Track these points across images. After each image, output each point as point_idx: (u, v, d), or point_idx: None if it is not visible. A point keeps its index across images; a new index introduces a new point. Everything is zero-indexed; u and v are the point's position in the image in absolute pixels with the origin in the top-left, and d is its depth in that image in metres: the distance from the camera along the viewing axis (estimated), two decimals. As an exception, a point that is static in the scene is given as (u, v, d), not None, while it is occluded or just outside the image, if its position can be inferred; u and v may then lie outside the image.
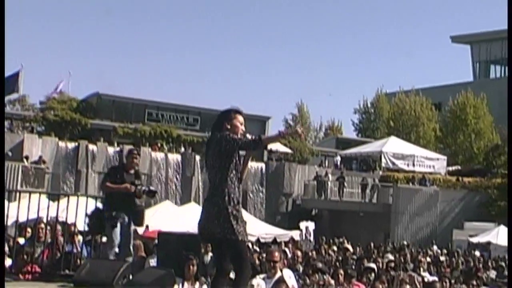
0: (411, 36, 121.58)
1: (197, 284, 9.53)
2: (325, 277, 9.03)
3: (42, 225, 12.30)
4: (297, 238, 26.23)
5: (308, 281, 9.26)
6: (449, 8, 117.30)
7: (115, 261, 9.69)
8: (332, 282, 8.42)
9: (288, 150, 48.28)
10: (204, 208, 6.46)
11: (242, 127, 6.65)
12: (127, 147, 40.17)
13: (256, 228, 26.73)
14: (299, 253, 12.40)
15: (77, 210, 11.07)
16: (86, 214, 10.65)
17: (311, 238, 26.40)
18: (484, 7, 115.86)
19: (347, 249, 16.76)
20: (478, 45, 74.67)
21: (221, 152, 6.38)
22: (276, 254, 11.49)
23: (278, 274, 9.42)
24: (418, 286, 9.12)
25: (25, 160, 35.50)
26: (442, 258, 25.74)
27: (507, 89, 45.51)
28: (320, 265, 10.48)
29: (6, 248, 11.61)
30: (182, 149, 43.81)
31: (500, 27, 74.51)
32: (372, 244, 28.64)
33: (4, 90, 27.34)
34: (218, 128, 6.61)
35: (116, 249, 10.10)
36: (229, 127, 6.57)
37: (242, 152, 6.65)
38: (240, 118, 6.69)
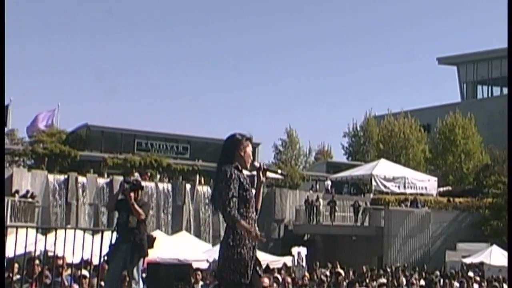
0: (399, 59, 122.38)
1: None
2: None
3: (36, 261, 12.13)
4: (289, 264, 26.10)
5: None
6: (435, 30, 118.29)
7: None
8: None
9: (279, 176, 48.19)
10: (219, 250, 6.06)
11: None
12: (117, 178, 40.10)
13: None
14: (289, 279, 12.28)
15: (65, 243, 10.96)
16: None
17: (304, 264, 26.27)
18: (470, 28, 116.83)
19: (340, 274, 16.67)
20: (465, 66, 75.30)
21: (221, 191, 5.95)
22: (266, 280, 11.43)
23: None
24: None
25: (16, 195, 35.27)
26: (435, 279, 25.73)
27: (507, 93, 45.80)
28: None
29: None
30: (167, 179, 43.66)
31: (485, 48, 75.32)
32: (365, 268, 28.52)
33: (4, 93, 27.15)
34: (229, 158, 6.10)
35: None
36: (242, 153, 6.11)
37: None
38: (250, 145, 6.26)
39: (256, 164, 6.20)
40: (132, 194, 9.88)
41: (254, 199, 6.11)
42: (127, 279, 9.96)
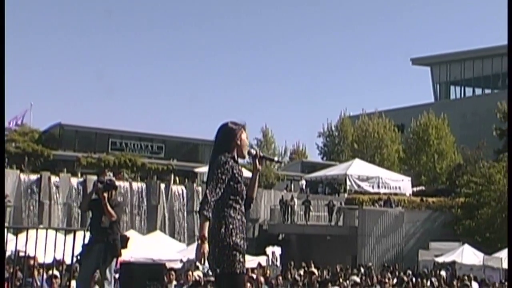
0: (373, 59, 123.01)
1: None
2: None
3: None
4: (264, 263, 26.14)
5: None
6: (409, 31, 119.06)
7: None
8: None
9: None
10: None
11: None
12: (91, 177, 39.85)
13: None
14: (262, 279, 12.32)
15: (36, 243, 10.87)
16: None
17: (278, 263, 26.32)
18: (443, 29, 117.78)
19: (313, 273, 16.72)
20: (438, 66, 75.99)
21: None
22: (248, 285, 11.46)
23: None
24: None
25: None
26: (405, 279, 25.91)
27: (507, 94, 46.20)
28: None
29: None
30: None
31: (458, 49, 76.08)
32: (338, 267, 28.66)
33: (4, 91, 26.89)
34: (225, 148, 5.92)
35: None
36: (239, 142, 5.95)
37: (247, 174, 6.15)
38: (245, 132, 6.09)
39: (252, 151, 6.09)
40: (105, 194, 9.83)
41: (245, 190, 6.04)
42: (99, 279, 9.91)
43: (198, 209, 5.68)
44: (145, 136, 54.24)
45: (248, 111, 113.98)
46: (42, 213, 37.81)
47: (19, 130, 49.81)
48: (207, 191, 5.68)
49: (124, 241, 10.23)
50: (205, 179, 47.05)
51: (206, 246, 5.54)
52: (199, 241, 5.59)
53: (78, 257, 10.48)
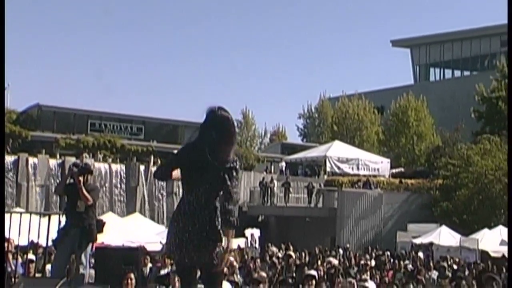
0: (352, 41, 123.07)
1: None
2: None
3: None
4: (242, 246, 26.20)
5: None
6: (388, 13, 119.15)
7: (50, 279, 9.50)
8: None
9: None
10: (185, 224, 5.28)
11: None
12: (69, 159, 39.62)
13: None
14: (234, 263, 12.39)
15: (10, 226, 10.79)
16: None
17: (257, 245, 26.38)
18: (423, 11, 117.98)
19: (290, 256, 16.76)
20: (418, 48, 76.18)
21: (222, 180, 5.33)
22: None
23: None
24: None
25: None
26: (385, 260, 26.12)
27: (507, 89, 46.43)
28: (256, 275, 10.46)
29: None
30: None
31: (438, 30, 76.34)
32: (317, 249, 28.78)
33: (4, 89, 26.49)
34: (230, 139, 5.42)
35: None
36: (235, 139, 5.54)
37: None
38: None
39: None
40: (81, 178, 9.76)
41: None
42: (75, 263, 9.87)
43: (229, 219, 5.35)
44: (124, 118, 53.96)
45: (228, 92, 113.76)
46: (19, 195, 37.60)
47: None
48: (232, 198, 5.38)
49: (100, 226, 10.19)
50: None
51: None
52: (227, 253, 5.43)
53: (54, 242, 10.45)
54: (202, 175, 5.29)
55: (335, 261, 19.19)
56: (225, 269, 11.66)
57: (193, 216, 5.29)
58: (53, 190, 34.24)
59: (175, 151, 5.68)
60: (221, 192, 5.33)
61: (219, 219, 5.35)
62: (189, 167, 5.34)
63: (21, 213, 10.83)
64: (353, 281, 10.07)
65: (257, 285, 9.19)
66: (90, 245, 10.00)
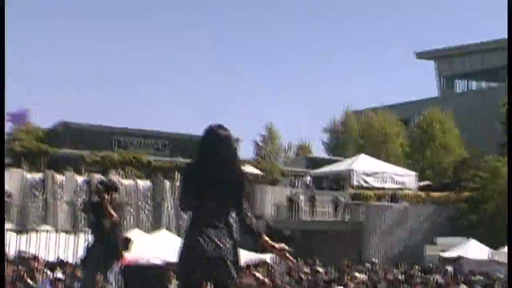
0: (377, 53, 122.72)
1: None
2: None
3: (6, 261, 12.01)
4: (268, 261, 26.02)
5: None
6: (413, 25, 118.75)
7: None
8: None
9: (259, 172, 48.19)
10: (204, 235, 5.18)
11: None
12: (95, 176, 39.82)
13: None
14: (266, 280, 12.29)
15: (38, 244, 10.87)
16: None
17: (283, 261, 26.17)
18: (447, 23, 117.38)
19: (318, 271, 16.65)
20: (443, 60, 75.77)
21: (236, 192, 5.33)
22: (248, 281, 11.40)
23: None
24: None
25: (-9, 194, 34.94)
26: (413, 274, 25.90)
27: (507, 93, 46.06)
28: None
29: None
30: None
31: (463, 42, 75.83)
32: (343, 264, 28.62)
33: (4, 90, 26.84)
34: (236, 155, 5.45)
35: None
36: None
37: None
38: None
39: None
40: (106, 196, 9.76)
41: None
42: (101, 282, 9.87)
43: (256, 229, 5.38)
44: (149, 134, 54.18)
45: (252, 107, 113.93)
46: (47, 212, 37.85)
47: (23, 129, 49.82)
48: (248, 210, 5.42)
49: (126, 243, 10.18)
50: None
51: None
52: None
53: (80, 260, 10.48)
54: (214, 191, 5.26)
55: (363, 277, 19.06)
56: (251, 282, 11.62)
57: (206, 230, 5.22)
58: (80, 208, 34.44)
59: (185, 177, 5.56)
60: (237, 207, 5.33)
61: (237, 233, 5.34)
62: (201, 186, 5.30)
63: (47, 231, 10.87)
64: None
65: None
66: (117, 262, 9.97)
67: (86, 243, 10.21)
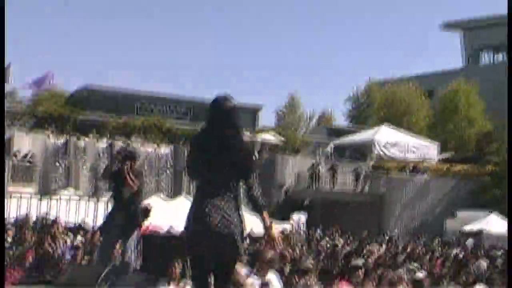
0: (402, 23, 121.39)
1: (182, 284, 9.32)
2: (308, 278, 8.86)
3: (26, 226, 12.08)
4: (288, 230, 26.06)
5: (294, 281, 9.11)
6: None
7: (97, 266, 9.52)
8: (316, 286, 8.23)
9: (280, 141, 48.09)
10: (205, 209, 5.16)
11: None
12: (117, 141, 40.00)
13: (247, 222, 26.53)
14: (287, 253, 12.28)
15: (58, 209, 10.86)
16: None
17: (303, 230, 26.24)
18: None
19: (336, 245, 16.58)
20: (469, 31, 74.69)
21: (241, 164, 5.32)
22: (269, 256, 11.32)
23: (267, 276, 9.26)
24: (407, 285, 8.95)
25: (14, 157, 35.26)
26: (433, 247, 25.81)
27: (507, 88, 45.36)
28: (305, 265, 10.32)
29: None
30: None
31: (490, 12, 74.66)
32: (363, 235, 28.60)
33: (4, 89, 27.08)
34: (240, 127, 5.50)
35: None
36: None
37: None
38: None
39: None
40: (125, 165, 9.75)
41: None
42: (120, 251, 9.89)
43: (262, 203, 5.37)
44: (171, 99, 54.18)
45: (276, 75, 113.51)
46: (69, 177, 38.13)
47: (47, 93, 50.06)
48: (255, 183, 5.38)
49: (145, 212, 10.20)
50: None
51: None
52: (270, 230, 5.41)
53: (100, 228, 10.51)
54: (221, 161, 5.24)
55: (381, 250, 19.00)
56: (272, 256, 11.55)
57: (214, 201, 5.21)
58: (100, 176, 34.49)
59: (192, 145, 5.55)
60: (244, 178, 5.32)
61: (244, 205, 5.37)
62: (208, 154, 5.28)
63: (69, 198, 10.89)
64: (402, 273, 9.87)
65: (305, 275, 9.05)
66: (136, 231, 9.98)
67: (107, 211, 10.24)
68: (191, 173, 5.42)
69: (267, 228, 5.31)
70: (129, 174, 9.72)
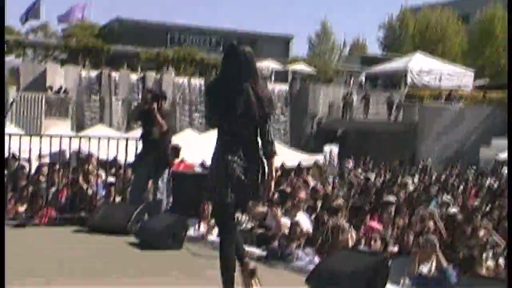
0: None
1: (213, 223, 9.40)
2: (339, 217, 8.86)
3: (57, 165, 12.13)
4: (321, 162, 26.04)
5: (325, 219, 9.12)
6: None
7: (129, 206, 9.62)
8: (346, 225, 8.24)
9: (312, 70, 47.71)
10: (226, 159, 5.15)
11: None
12: (150, 73, 40.03)
13: (280, 154, 26.58)
14: (319, 186, 12.31)
15: (90, 145, 10.82)
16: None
17: (335, 163, 26.20)
18: None
19: (368, 179, 16.53)
20: (507, -47, 72.27)
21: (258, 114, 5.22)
22: (302, 195, 11.39)
23: (297, 215, 9.34)
24: (438, 222, 8.93)
25: (49, 90, 35.57)
26: (468, 176, 25.64)
27: (507, 91, 44.07)
28: (336, 203, 10.32)
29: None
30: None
31: None
32: (395, 165, 28.56)
33: (4, 88, 27.18)
34: (258, 75, 5.33)
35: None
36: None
37: None
38: None
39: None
40: (154, 105, 9.72)
41: None
42: (152, 190, 9.97)
43: (271, 149, 5.24)
44: (203, 30, 53.91)
45: (307, 3, 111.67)
46: (103, 110, 38.42)
47: (79, 25, 50.08)
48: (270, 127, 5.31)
49: (175, 151, 10.23)
50: (263, 74, 46.74)
51: None
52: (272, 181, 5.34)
53: (131, 166, 10.59)
54: (237, 107, 5.17)
55: (415, 181, 18.91)
56: (304, 195, 11.61)
57: (233, 150, 5.19)
58: (129, 116, 34.52)
59: (207, 91, 5.51)
60: (260, 126, 5.25)
61: (260, 152, 5.29)
62: (223, 100, 5.21)
63: (99, 138, 10.90)
64: (434, 209, 9.83)
65: (335, 215, 9.05)
66: (166, 170, 10.02)
67: (137, 150, 10.28)
68: (209, 123, 5.39)
69: (269, 179, 5.26)
70: (158, 114, 9.71)
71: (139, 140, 10.12)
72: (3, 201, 9.06)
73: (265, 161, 5.25)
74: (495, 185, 22.19)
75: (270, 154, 5.20)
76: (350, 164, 28.31)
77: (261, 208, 9.94)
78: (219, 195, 5.18)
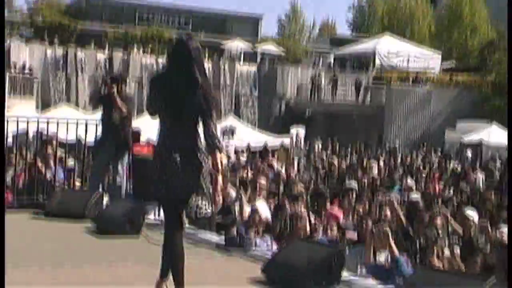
0: None
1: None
2: (300, 205, 8.85)
3: (14, 148, 11.87)
4: (287, 144, 26.08)
5: (285, 205, 9.11)
6: None
7: (87, 192, 9.51)
8: (304, 212, 8.21)
9: (281, 52, 47.66)
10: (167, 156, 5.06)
11: None
12: (117, 53, 39.63)
13: (246, 135, 26.61)
14: (282, 172, 12.27)
15: (48, 127, 10.54)
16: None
17: (302, 145, 26.21)
18: None
19: (332, 164, 16.52)
20: None
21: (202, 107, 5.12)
22: (263, 181, 11.34)
23: (256, 202, 9.29)
24: (397, 209, 8.93)
25: (12, 69, 34.96)
26: (432, 158, 25.91)
27: (507, 90, 44.36)
28: (296, 189, 10.32)
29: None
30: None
31: None
32: (360, 148, 28.80)
33: (4, 87, 26.52)
34: (201, 69, 5.18)
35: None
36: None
37: None
38: None
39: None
40: (114, 88, 9.56)
41: None
42: (111, 174, 9.86)
43: (214, 143, 5.09)
44: (172, 9, 53.47)
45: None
46: (69, 88, 37.98)
47: (45, 2, 49.37)
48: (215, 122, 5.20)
49: (135, 136, 10.12)
50: (231, 54, 46.59)
51: None
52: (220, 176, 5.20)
53: (91, 151, 10.45)
54: (181, 103, 5.09)
55: (380, 164, 19.00)
56: (264, 183, 11.56)
57: (173, 145, 5.09)
58: (89, 101, 34.12)
59: (153, 83, 5.42)
60: (203, 119, 5.13)
61: (203, 146, 5.18)
62: (165, 92, 5.13)
63: (58, 121, 10.64)
64: (394, 197, 9.84)
65: (296, 202, 9.03)
66: (127, 155, 9.91)
67: (97, 134, 10.13)
68: (151, 113, 5.29)
69: (217, 174, 5.14)
70: (118, 98, 9.57)
71: (99, 124, 9.98)
72: (3, 197, 8.81)
73: (208, 156, 5.15)
74: (459, 168, 22.38)
75: (213, 148, 5.11)
76: (318, 145, 28.39)
77: (226, 194, 9.89)
78: (156, 189, 5.14)
